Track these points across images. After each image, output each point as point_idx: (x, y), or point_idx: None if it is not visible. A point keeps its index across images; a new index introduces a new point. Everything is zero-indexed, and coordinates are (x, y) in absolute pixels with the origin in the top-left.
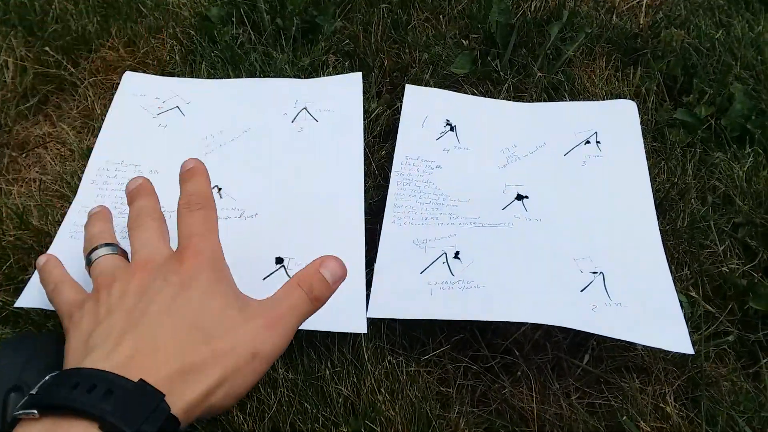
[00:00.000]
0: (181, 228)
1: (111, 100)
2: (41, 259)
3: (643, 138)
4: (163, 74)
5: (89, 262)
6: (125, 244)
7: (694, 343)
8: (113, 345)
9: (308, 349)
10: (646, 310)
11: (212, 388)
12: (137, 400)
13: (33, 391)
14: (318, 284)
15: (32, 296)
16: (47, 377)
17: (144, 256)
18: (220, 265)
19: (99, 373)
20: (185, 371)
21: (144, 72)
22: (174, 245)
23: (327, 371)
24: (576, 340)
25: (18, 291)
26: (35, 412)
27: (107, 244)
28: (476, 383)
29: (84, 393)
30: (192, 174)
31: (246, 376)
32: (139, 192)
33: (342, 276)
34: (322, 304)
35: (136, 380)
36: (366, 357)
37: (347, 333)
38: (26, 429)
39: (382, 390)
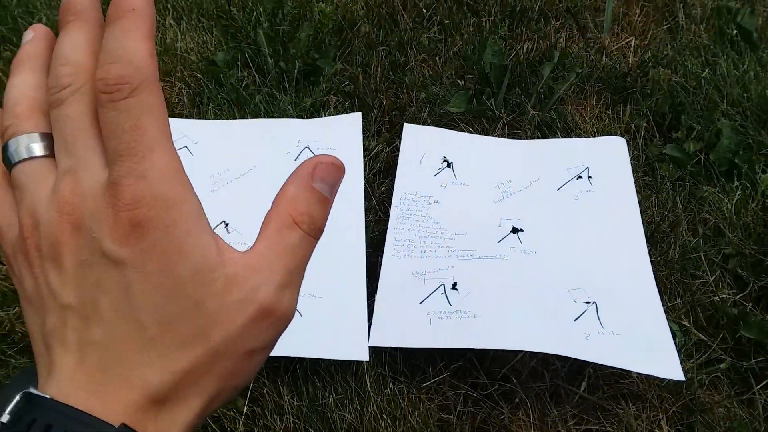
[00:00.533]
0: (106, 138)
1: None
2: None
3: (634, 172)
4: (172, 116)
5: (6, 159)
6: None
7: (687, 371)
8: (76, 359)
9: (312, 376)
10: (637, 338)
11: (207, 403)
12: None
13: (3, 419)
14: (318, 209)
15: None
16: (18, 397)
17: (68, 190)
18: (180, 196)
19: (72, 416)
20: (173, 392)
21: None
22: None
23: (331, 398)
24: (573, 368)
25: None
26: None
27: (41, 136)
28: (476, 410)
29: None
30: (119, 13)
31: (245, 375)
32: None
33: (340, 176)
34: (322, 233)
35: (116, 424)
36: (368, 384)
37: (350, 361)
38: None
39: (384, 416)
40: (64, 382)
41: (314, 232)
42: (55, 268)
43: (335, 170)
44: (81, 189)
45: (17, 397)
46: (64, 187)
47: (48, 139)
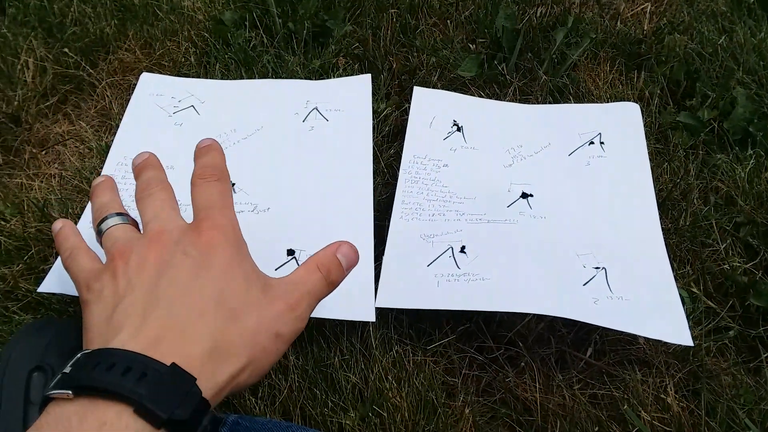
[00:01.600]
0: (196, 199)
1: (128, 100)
2: (57, 225)
3: (647, 140)
4: (178, 75)
5: (100, 233)
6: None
7: (695, 338)
8: (139, 324)
9: (318, 337)
10: (646, 303)
11: (240, 369)
12: (170, 384)
13: (66, 370)
14: (335, 269)
15: (54, 282)
16: (79, 355)
17: (157, 227)
18: (239, 239)
19: (132, 356)
20: (214, 353)
21: (160, 73)
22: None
23: (336, 359)
24: (580, 335)
25: (39, 280)
26: (70, 392)
27: (118, 214)
28: (481, 374)
29: (119, 375)
30: (208, 150)
31: (270, 355)
32: (147, 165)
33: (355, 261)
34: (335, 288)
35: (168, 363)
36: (374, 346)
37: (356, 321)
38: (59, 409)
39: (389, 378)
40: (128, 341)
41: (329, 282)
42: (138, 273)
43: (353, 252)
44: (167, 228)
45: (78, 356)
46: (153, 227)
47: (128, 216)
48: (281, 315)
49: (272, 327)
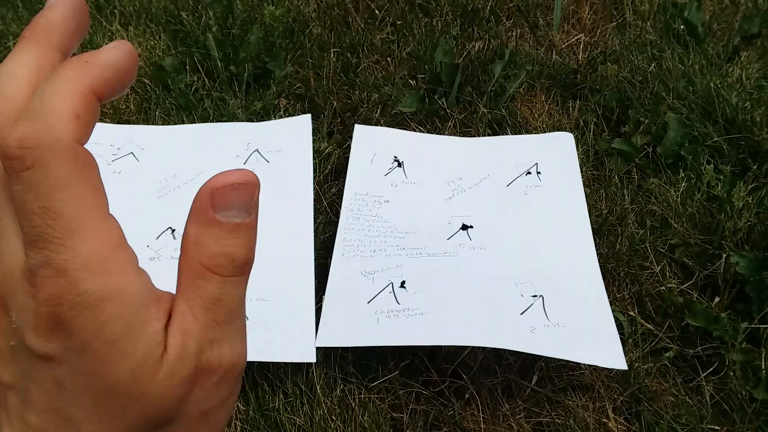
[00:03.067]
0: (17, 215)
1: None
2: None
3: (584, 167)
4: (119, 123)
5: None
6: None
7: (634, 361)
8: None
9: (261, 380)
10: (582, 329)
11: None
12: None
13: None
14: (233, 241)
15: None
16: None
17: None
18: (118, 303)
19: None
20: None
21: (101, 121)
22: None
23: (279, 402)
24: (526, 362)
25: None
26: None
27: None
28: (428, 408)
29: None
30: (71, 61)
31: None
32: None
33: (248, 191)
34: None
35: None
36: (318, 386)
37: (298, 363)
38: None
39: (334, 418)
40: None
41: (238, 270)
42: None
43: (240, 188)
44: (1, 268)
45: None
46: None
47: None
48: (197, 390)
49: (190, 412)
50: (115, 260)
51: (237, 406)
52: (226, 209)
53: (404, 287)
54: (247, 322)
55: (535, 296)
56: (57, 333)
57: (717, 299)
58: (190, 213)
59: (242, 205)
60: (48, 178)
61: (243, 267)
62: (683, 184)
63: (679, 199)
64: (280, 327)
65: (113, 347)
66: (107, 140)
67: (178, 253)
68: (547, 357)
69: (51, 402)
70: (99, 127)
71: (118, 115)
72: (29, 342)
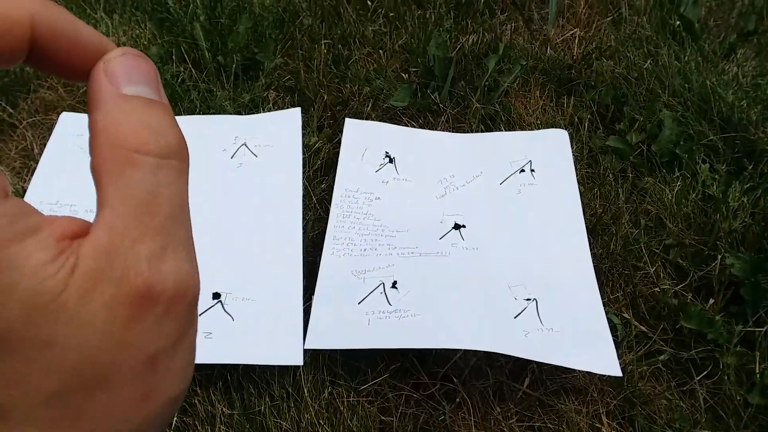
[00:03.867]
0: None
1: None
2: None
3: (578, 165)
4: None
5: None
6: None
7: (627, 364)
8: None
9: (247, 383)
10: (576, 335)
11: None
12: None
13: None
14: (151, 114)
15: None
16: None
17: None
18: None
19: None
20: None
21: (83, 112)
22: None
23: (265, 406)
24: (518, 365)
25: None
26: None
27: None
28: (418, 411)
29: None
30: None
31: (162, 390)
32: None
33: (149, 68)
34: (183, 148)
35: None
36: (306, 389)
37: (286, 366)
38: None
39: (321, 422)
40: None
41: (169, 150)
42: None
43: (139, 63)
44: None
45: None
46: None
47: None
48: (135, 326)
49: (131, 356)
50: None
51: (221, 409)
52: (130, 83)
53: (396, 287)
54: (232, 322)
55: (528, 299)
56: None
57: (711, 301)
58: (88, 104)
59: (146, 79)
60: None
61: (175, 149)
62: (678, 183)
63: (674, 199)
64: (266, 328)
65: None
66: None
67: None
68: (539, 361)
69: None
70: (81, 118)
71: None
72: None
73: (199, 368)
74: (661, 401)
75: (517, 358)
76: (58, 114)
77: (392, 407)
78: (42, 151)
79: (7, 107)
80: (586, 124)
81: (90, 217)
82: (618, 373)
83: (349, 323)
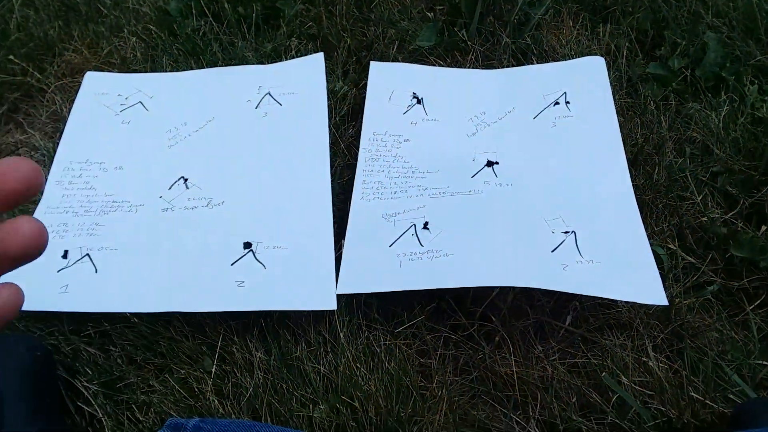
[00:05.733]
0: None
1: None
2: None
3: (617, 95)
4: (126, 71)
5: None
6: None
7: (675, 296)
8: None
9: (282, 330)
10: (618, 265)
11: None
12: None
13: None
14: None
15: None
16: None
17: None
18: None
19: None
20: None
21: (109, 71)
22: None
23: (302, 351)
24: (560, 302)
25: None
26: None
27: None
28: (457, 352)
29: None
30: None
31: None
32: None
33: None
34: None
35: None
36: (342, 334)
37: (320, 311)
38: None
39: (358, 366)
40: None
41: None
42: None
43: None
44: None
45: None
46: None
47: None
48: None
49: None
50: None
51: (258, 356)
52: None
53: (427, 228)
54: (264, 270)
55: (566, 232)
56: None
57: (764, 228)
58: None
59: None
60: None
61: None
62: (725, 107)
63: (721, 124)
64: (299, 275)
65: None
66: (114, 90)
67: (192, 203)
68: (581, 296)
69: None
70: (105, 76)
71: (126, 64)
72: None
73: (234, 317)
74: (711, 333)
75: (558, 297)
76: (84, 75)
77: (430, 349)
78: (69, 112)
79: (35, 72)
80: (625, 52)
81: (118, 174)
82: (664, 302)
83: (380, 266)
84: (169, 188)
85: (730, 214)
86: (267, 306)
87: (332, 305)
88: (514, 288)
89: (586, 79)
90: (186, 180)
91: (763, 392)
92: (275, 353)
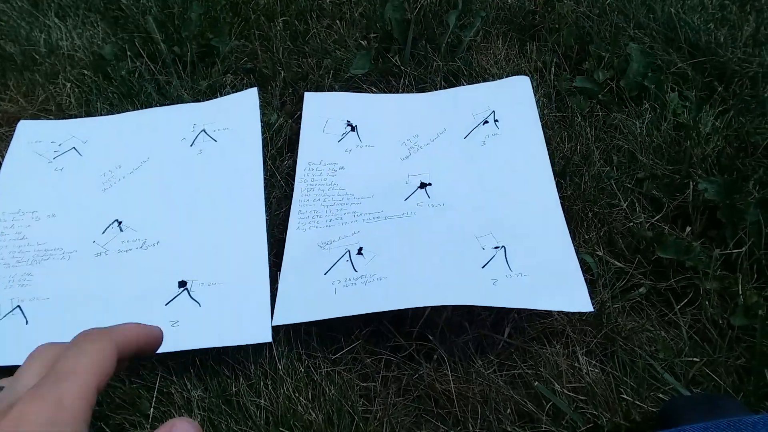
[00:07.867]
0: None
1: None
2: None
3: (547, 109)
4: (60, 118)
5: None
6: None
7: (606, 301)
8: None
9: (220, 367)
10: (545, 276)
11: None
12: None
13: None
14: None
15: None
16: None
17: None
18: None
19: None
20: None
21: (46, 119)
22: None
23: (240, 386)
24: (499, 316)
25: None
26: None
27: None
28: (399, 374)
29: None
30: None
31: None
32: None
33: None
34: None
35: None
36: (280, 365)
37: (257, 344)
38: None
39: (298, 396)
40: None
41: None
42: None
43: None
44: None
45: None
46: None
47: None
48: None
49: None
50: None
51: (197, 394)
52: None
53: (361, 254)
54: (199, 308)
55: (496, 248)
56: None
57: (689, 229)
58: None
59: None
60: None
61: None
62: (648, 115)
63: (644, 131)
64: (234, 310)
65: None
66: (48, 137)
67: (126, 246)
68: (517, 308)
69: None
70: (38, 124)
71: (63, 111)
72: None
73: (171, 356)
74: (642, 335)
75: (498, 310)
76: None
77: (372, 372)
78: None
79: None
80: (552, 68)
81: (51, 222)
82: (589, 308)
83: (315, 295)
84: (103, 232)
85: (657, 217)
86: (202, 344)
87: (267, 338)
88: (446, 306)
89: (513, 98)
90: (120, 223)
91: (695, 388)
92: (213, 390)
